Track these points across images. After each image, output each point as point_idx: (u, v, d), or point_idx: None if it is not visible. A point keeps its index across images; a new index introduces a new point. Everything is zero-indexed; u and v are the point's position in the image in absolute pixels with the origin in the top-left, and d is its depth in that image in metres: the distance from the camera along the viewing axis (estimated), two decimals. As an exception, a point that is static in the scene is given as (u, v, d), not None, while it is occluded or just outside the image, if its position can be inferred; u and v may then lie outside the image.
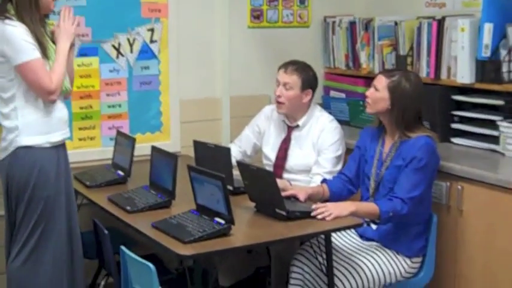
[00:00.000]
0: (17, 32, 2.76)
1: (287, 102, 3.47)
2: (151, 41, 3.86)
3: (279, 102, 3.49)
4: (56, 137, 2.91)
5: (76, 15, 3.52)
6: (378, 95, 3.12)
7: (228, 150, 3.24)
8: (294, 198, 3.05)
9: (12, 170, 2.85)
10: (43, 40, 2.84)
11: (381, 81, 3.13)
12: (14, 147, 2.84)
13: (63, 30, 2.95)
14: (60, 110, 2.94)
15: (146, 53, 3.86)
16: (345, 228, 2.97)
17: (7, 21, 2.77)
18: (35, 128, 2.85)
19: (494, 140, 3.38)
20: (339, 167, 3.45)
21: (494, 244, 3.07)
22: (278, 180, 2.97)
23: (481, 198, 3.11)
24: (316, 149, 3.48)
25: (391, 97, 3.09)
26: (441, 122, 3.61)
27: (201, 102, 4.09)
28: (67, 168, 3.00)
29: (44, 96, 2.82)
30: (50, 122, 2.88)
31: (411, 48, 3.83)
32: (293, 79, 3.45)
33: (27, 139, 2.84)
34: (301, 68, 3.49)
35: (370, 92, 3.17)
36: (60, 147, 2.96)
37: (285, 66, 3.51)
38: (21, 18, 2.79)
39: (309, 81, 3.49)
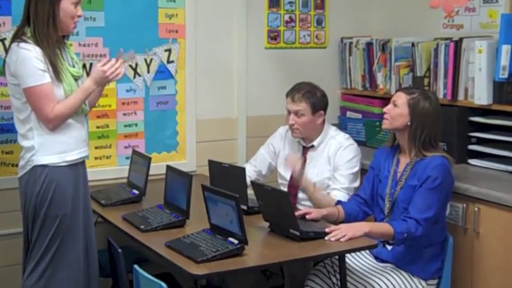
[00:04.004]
0: (29, 56, 2.78)
1: (301, 128, 3.48)
2: (169, 61, 3.89)
3: (293, 129, 3.50)
4: (72, 156, 2.93)
5: (94, 36, 3.62)
6: (398, 111, 3.11)
7: (243, 170, 3.24)
8: (304, 217, 3.04)
9: (29, 188, 2.88)
10: (57, 63, 2.85)
11: (401, 98, 3.12)
12: (30, 165, 2.87)
13: (99, 74, 2.93)
14: (78, 130, 2.96)
15: (163, 73, 3.89)
16: (359, 249, 2.96)
17: (22, 44, 2.80)
18: (50, 147, 2.87)
19: (512, 161, 3.35)
20: (355, 184, 3.44)
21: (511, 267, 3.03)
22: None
23: (498, 220, 3.08)
24: (332, 164, 3.47)
25: (411, 113, 3.07)
26: (458, 143, 3.59)
27: (217, 122, 4.10)
28: (86, 187, 3.02)
29: (42, 122, 2.85)
30: (66, 141, 2.90)
31: (428, 69, 3.82)
32: (302, 106, 3.44)
33: (43, 158, 2.86)
34: (308, 93, 3.46)
35: (388, 108, 3.16)
36: (79, 165, 2.98)
37: (292, 94, 3.49)
38: (37, 41, 2.82)
39: (319, 103, 3.47)
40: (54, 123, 2.85)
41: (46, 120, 2.84)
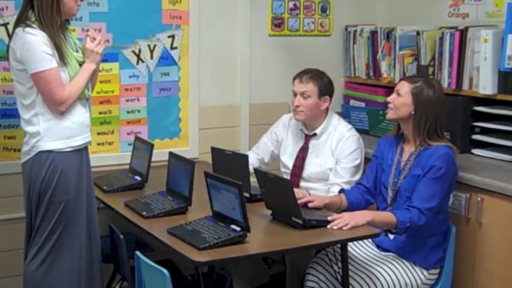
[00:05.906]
0: (36, 41, 2.77)
1: (306, 110, 3.46)
2: (172, 48, 3.87)
3: (297, 111, 3.48)
4: (77, 142, 2.93)
5: (98, 21, 3.61)
6: (401, 100, 3.10)
7: (246, 157, 3.23)
8: (307, 205, 3.02)
9: (34, 174, 2.87)
10: (62, 46, 2.85)
11: (404, 87, 3.11)
12: (35, 151, 2.87)
13: (89, 52, 2.97)
14: (82, 115, 2.96)
15: (166, 59, 3.87)
16: (361, 238, 2.95)
17: (28, 29, 2.79)
18: (56, 133, 2.87)
19: (516, 151, 3.34)
20: (357, 177, 3.42)
21: (514, 258, 3.03)
22: (297, 190, 2.94)
23: (501, 210, 3.07)
24: (334, 156, 3.46)
25: (414, 102, 3.06)
26: (462, 132, 3.58)
27: (220, 109, 4.09)
28: (89, 173, 3.02)
29: (52, 106, 2.84)
30: (71, 126, 2.90)
31: (433, 58, 3.80)
32: (310, 87, 3.44)
33: (48, 144, 2.86)
34: (316, 75, 3.48)
35: (392, 98, 3.14)
36: (83, 151, 2.98)
37: (300, 76, 3.50)
38: (42, 25, 2.81)
39: (326, 88, 3.48)
40: (67, 105, 2.85)
41: (59, 104, 2.83)
